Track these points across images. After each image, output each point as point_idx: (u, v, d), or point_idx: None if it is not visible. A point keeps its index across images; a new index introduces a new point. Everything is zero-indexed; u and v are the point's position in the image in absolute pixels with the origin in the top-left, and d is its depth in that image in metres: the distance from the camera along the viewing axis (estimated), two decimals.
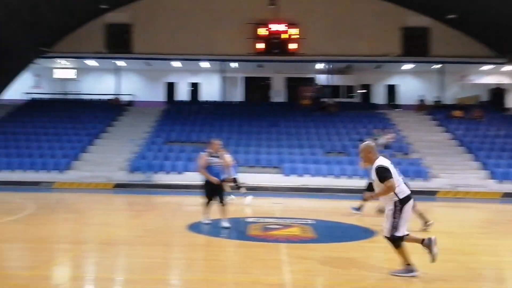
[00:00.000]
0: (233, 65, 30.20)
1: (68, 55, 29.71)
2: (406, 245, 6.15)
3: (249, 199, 14.52)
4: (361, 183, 20.31)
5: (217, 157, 10.11)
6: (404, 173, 8.59)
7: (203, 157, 10.02)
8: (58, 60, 30.57)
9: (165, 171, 21.00)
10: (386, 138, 23.21)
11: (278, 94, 32.02)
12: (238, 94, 32.27)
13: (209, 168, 9.93)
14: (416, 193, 7.04)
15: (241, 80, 32.56)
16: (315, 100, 29.52)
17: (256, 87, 33.22)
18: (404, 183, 6.37)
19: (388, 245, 6.23)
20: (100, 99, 30.15)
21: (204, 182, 10.04)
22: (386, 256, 7.66)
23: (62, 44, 29.57)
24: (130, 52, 29.41)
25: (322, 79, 31.27)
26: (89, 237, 9.26)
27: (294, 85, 31.67)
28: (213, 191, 9.95)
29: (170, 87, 32.52)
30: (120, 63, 30.18)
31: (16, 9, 24.46)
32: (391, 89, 32.10)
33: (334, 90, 30.39)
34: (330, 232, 10.10)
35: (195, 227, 9.80)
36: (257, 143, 23.60)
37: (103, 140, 24.06)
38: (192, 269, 6.81)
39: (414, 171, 20.35)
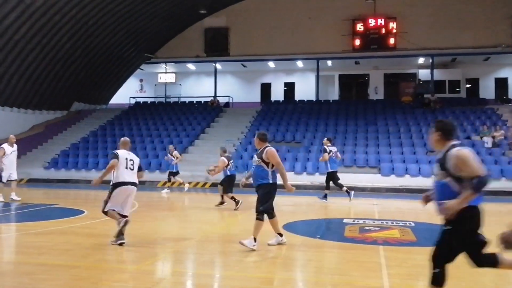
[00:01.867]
0: (329, 63, 29.83)
1: (170, 60, 31.25)
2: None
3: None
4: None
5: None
6: None
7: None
8: (161, 65, 32.24)
9: None
10: (495, 135, 21.59)
11: (376, 91, 31.06)
12: (333, 93, 31.79)
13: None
14: None
15: (337, 78, 32.07)
16: (417, 96, 28.20)
17: (353, 84, 32.54)
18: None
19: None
20: (199, 101, 31.32)
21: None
22: None
23: (164, 49, 31.17)
24: (227, 54, 30.19)
25: (424, 74, 29.81)
26: (189, 234, 9.55)
27: (394, 81, 30.56)
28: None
29: (266, 87, 32.92)
30: (218, 65, 31.08)
31: (122, 19, 26.17)
32: (501, 83, 29.77)
33: (437, 86, 28.79)
34: (431, 235, 9.44)
35: (290, 227, 9.72)
36: (353, 143, 23.03)
37: (201, 140, 24.91)
38: (288, 268, 6.72)
39: None
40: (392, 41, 27.64)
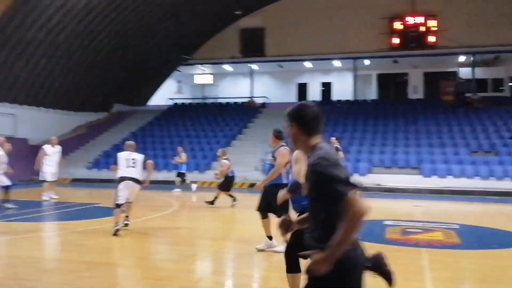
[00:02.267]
0: (366, 62, 29.38)
1: (207, 61, 31.49)
2: None
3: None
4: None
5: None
6: None
7: None
8: (198, 66, 32.54)
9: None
10: None
11: (416, 90, 30.38)
12: (371, 92, 31.31)
13: None
14: None
15: (375, 78, 31.56)
16: (458, 95, 27.41)
17: (391, 84, 31.94)
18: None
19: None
20: (236, 102, 31.43)
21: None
22: None
23: (201, 51, 31.45)
24: (263, 55, 30.18)
25: (465, 72, 28.96)
26: (227, 234, 9.59)
27: (434, 80, 29.80)
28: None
29: (302, 88, 32.70)
30: (254, 66, 31.12)
31: (160, 21, 26.56)
32: None
33: (479, 84, 27.90)
34: (476, 238, 9.19)
35: None
36: (393, 143, 22.59)
37: (239, 141, 24.99)
38: None
39: None
40: (431, 39, 26.97)
